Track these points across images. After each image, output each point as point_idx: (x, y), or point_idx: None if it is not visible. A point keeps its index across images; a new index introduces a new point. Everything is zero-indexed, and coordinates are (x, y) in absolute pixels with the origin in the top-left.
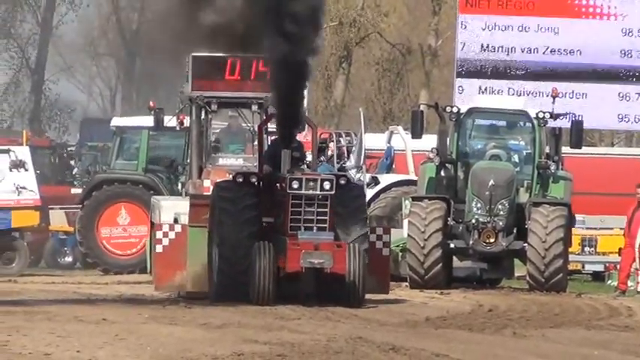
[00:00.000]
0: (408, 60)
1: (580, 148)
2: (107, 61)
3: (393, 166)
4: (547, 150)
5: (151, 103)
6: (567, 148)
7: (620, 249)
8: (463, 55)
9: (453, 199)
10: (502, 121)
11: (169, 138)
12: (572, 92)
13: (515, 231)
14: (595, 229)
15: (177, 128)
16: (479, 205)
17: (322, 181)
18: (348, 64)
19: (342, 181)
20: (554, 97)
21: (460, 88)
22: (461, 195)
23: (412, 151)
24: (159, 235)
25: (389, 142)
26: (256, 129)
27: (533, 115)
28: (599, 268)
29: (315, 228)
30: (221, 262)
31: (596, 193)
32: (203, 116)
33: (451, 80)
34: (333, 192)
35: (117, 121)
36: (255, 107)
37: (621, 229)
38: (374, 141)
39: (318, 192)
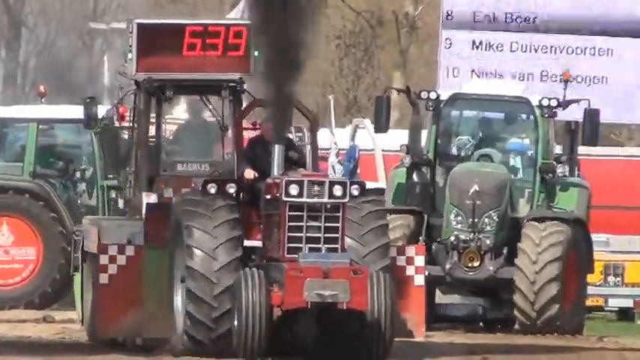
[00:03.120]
0: (379, 33)
1: (595, 144)
2: None
3: (358, 170)
4: (557, 149)
5: (42, 88)
6: (585, 147)
7: None
8: (448, 53)
9: (428, 211)
10: (497, 112)
11: (66, 133)
12: (591, 77)
13: (505, 252)
14: (622, 252)
15: (117, 124)
16: (459, 218)
17: (331, 184)
18: None
19: (355, 190)
20: (566, 82)
21: (447, 42)
22: (439, 206)
23: (383, 150)
24: (103, 260)
25: (352, 139)
26: (227, 123)
27: (536, 103)
28: (627, 303)
29: (323, 249)
30: (190, 303)
31: (624, 207)
32: (153, 106)
33: (434, 58)
34: (346, 199)
35: None
36: (225, 93)
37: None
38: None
39: (326, 200)
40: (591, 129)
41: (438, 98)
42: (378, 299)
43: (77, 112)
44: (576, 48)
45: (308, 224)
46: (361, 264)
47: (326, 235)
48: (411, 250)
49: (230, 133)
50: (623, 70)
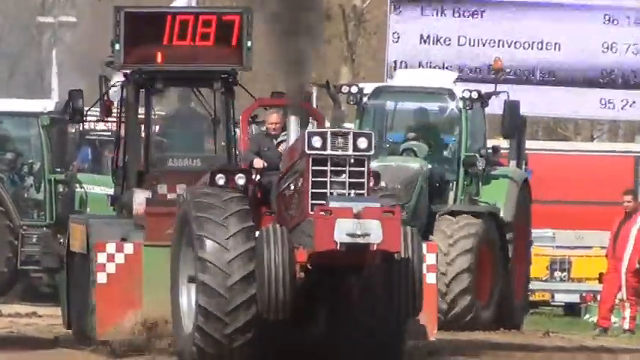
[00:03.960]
0: (326, 27)
1: (513, 137)
2: None
3: None
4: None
5: None
6: (537, 142)
7: (601, 274)
8: (396, 47)
9: None
10: (421, 104)
11: (14, 126)
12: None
13: None
14: (568, 248)
15: (102, 117)
16: None
17: (355, 136)
18: None
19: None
20: (496, 72)
21: (395, 36)
22: None
23: None
24: (101, 258)
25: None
26: (219, 116)
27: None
28: (574, 298)
29: (351, 193)
30: (203, 295)
31: (571, 202)
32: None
33: (382, 52)
34: (371, 152)
35: None
36: (217, 85)
37: (603, 248)
38: None
39: (351, 152)
40: (510, 121)
41: (360, 92)
42: (412, 246)
43: (25, 105)
44: (524, 43)
45: (332, 179)
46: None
47: (350, 190)
48: (423, 246)
49: (222, 126)
50: (570, 63)
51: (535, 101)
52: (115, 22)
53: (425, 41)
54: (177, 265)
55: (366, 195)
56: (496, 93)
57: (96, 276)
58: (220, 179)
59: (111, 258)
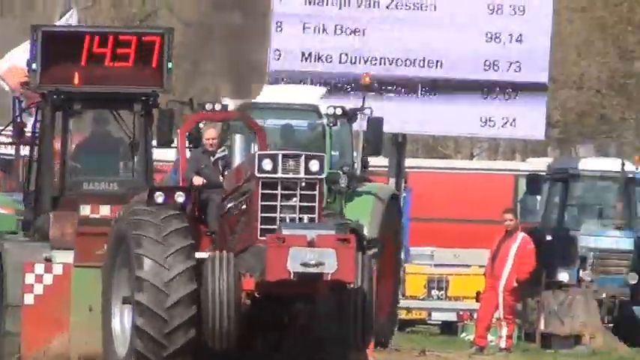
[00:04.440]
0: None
1: (379, 154)
2: None
3: None
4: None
5: None
6: (417, 160)
7: (478, 293)
8: (279, 36)
9: None
10: (287, 121)
11: None
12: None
13: None
14: (447, 265)
15: (14, 139)
16: None
17: (307, 158)
18: None
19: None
20: (364, 87)
21: (278, 25)
22: None
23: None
24: (29, 279)
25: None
26: (138, 138)
27: (325, 111)
28: (451, 317)
29: (304, 218)
30: (140, 317)
31: (450, 220)
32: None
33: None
34: (323, 176)
35: None
36: (138, 107)
37: (482, 266)
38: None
39: (302, 175)
40: (375, 138)
41: (224, 108)
42: (362, 274)
43: None
44: (405, 60)
45: (282, 204)
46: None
47: (301, 215)
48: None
49: (141, 149)
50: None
51: (415, 118)
52: (32, 40)
53: (306, 59)
54: (110, 286)
55: (317, 220)
56: (361, 109)
57: (22, 297)
58: (159, 197)
59: (39, 279)
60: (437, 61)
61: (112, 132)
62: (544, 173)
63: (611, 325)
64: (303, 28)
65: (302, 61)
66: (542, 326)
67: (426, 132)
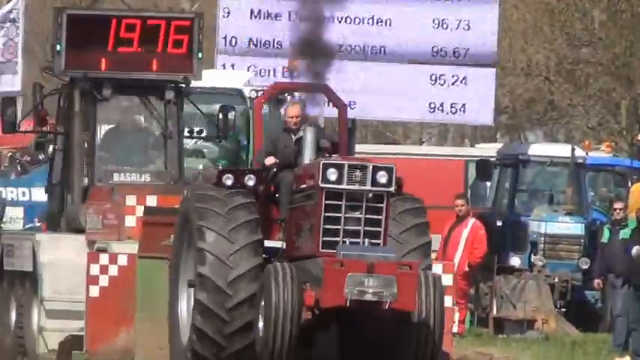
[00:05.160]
0: None
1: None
2: None
3: None
4: None
5: None
6: (366, 146)
7: None
8: (226, 22)
9: None
10: (211, 104)
11: None
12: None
13: None
14: None
15: (36, 128)
16: None
17: (375, 169)
18: None
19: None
20: (290, 73)
21: (225, 10)
22: None
23: None
24: (94, 270)
25: None
26: (170, 128)
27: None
28: None
29: (365, 242)
30: (199, 316)
31: None
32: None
33: (212, 54)
34: (392, 188)
35: None
36: (170, 94)
37: (433, 252)
38: None
39: (369, 187)
40: (225, 124)
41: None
42: (427, 300)
43: None
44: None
45: (347, 215)
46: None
47: (367, 228)
48: (438, 268)
49: (173, 139)
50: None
51: (365, 105)
52: (57, 24)
53: (254, 44)
54: (177, 269)
55: (383, 234)
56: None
57: (88, 289)
58: (228, 179)
59: (104, 270)
60: (381, 48)
61: (141, 121)
62: (494, 159)
63: (564, 309)
64: (251, 14)
65: (249, 46)
66: (494, 311)
67: (376, 118)
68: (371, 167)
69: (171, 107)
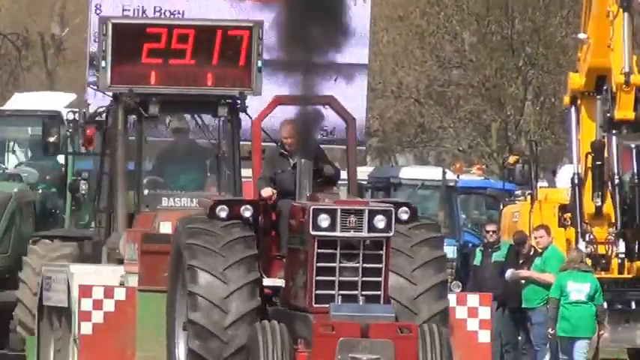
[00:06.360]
0: (25, 55)
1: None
2: None
3: None
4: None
5: None
6: None
7: None
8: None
9: None
10: (36, 127)
11: None
12: None
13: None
14: None
15: (82, 149)
16: None
17: (372, 214)
18: None
19: (404, 214)
20: None
21: (98, 8)
22: None
23: None
24: (86, 305)
25: None
26: (224, 147)
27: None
28: None
29: (360, 298)
30: (192, 354)
31: None
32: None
33: (81, 79)
34: (391, 233)
35: None
36: (223, 110)
37: None
38: None
39: (366, 234)
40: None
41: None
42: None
43: None
44: None
45: (342, 265)
46: (411, 308)
47: (365, 278)
48: (474, 300)
49: (228, 159)
50: None
51: None
52: (101, 35)
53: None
54: (173, 308)
55: (384, 284)
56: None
57: (79, 326)
58: (222, 211)
59: (98, 305)
60: None
61: (194, 140)
62: (365, 182)
63: None
64: (122, 11)
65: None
66: None
67: None
68: (367, 212)
69: (225, 125)
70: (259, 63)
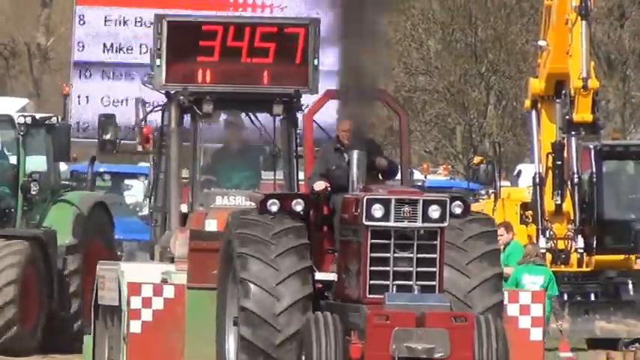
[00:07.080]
0: (12, 64)
1: (67, 160)
2: None
3: None
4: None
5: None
6: None
7: None
8: (81, 56)
9: None
10: None
11: None
12: None
13: None
14: None
15: (139, 148)
16: None
17: (427, 204)
18: None
19: (458, 208)
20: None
21: (81, 19)
22: None
23: None
24: (135, 303)
25: None
26: (280, 146)
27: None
28: None
29: (415, 288)
30: (244, 354)
31: None
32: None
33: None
34: (445, 224)
35: None
36: (278, 109)
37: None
38: None
39: (420, 224)
40: (60, 145)
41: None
42: (487, 355)
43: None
44: None
45: (396, 255)
46: (465, 301)
47: (419, 269)
48: (526, 297)
49: (284, 158)
50: None
51: None
52: (156, 32)
53: (108, 50)
54: (224, 304)
55: (438, 275)
56: (49, 117)
57: (128, 325)
58: (273, 205)
59: (147, 302)
60: None
61: (249, 139)
62: None
63: None
64: (105, 21)
65: (104, 52)
66: None
67: None
68: (421, 202)
69: (282, 123)
70: (315, 61)
